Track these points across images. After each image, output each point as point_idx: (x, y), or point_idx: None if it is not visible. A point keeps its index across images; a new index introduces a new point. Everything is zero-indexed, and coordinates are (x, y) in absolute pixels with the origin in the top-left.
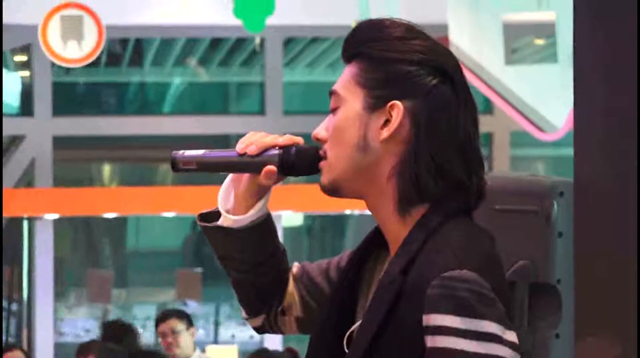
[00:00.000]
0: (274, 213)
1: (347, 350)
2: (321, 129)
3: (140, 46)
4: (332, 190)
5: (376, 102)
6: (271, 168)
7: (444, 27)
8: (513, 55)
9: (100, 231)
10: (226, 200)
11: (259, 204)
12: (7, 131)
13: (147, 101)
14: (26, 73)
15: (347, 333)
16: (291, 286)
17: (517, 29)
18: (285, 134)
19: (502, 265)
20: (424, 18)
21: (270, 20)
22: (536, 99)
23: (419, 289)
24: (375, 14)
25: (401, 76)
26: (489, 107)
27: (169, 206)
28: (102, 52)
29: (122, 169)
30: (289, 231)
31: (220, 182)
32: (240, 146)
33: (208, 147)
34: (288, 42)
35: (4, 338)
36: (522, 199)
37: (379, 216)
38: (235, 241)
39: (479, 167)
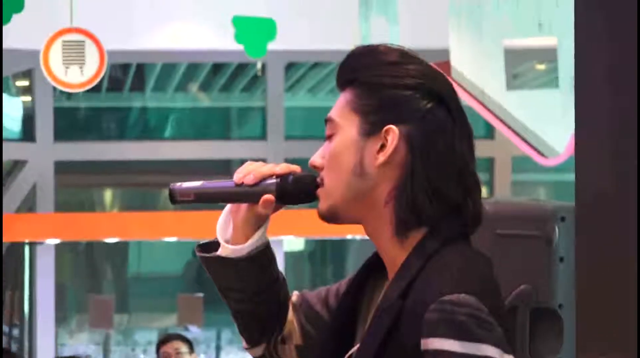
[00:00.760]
0: (275, 238)
1: None
2: (317, 157)
3: (141, 71)
4: (330, 217)
5: (371, 128)
6: (269, 197)
7: (445, 52)
8: (514, 80)
9: (101, 256)
10: (225, 230)
11: (258, 234)
12: (9, 156)
13: (149, 126)
14: (28, 98)
15: (346, 356)
16: (291, 314)
17: (519, 54)
18: (286, 159)
19: (499, 289)
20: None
21: (272, 46)
22: (537, 124)
23: (417, 313)
24: (376, 39)
25: (396, 100)
26: (490, 132)
27: (170, 231)
28: (103, 77)
29: (124, 194)
30: (290, 255)
31: (222, 207)
32: (237, 176)
33: (209, 172)
34: (289, 67)
35: None
36: (524, 224)
37: (378, 240)
38: (235, 271)
39: (476, 190)
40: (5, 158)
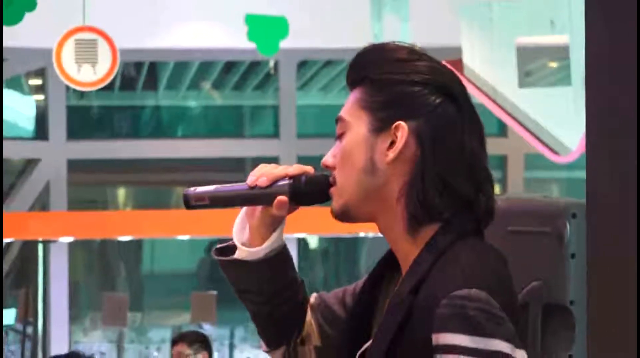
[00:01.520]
0: (289, 236)
1: None
2: (329, 157)
3: (154, 69)
4: (343, 215)
5: (381, 125)
6: (283, 198)
7: (457, 50)
8: (527, 78)
9: (115, 254)
10: (241, 233)
11: (274, 236)
12: (22, 155)
13: (162, 125)
14: (41, 97)
15: (359, 352)
16: (309, 316)
17: (531, 52)
18: (298, 156)
19: (512, 284)
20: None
21: (284, 44)
22: (550, 121)
23: (429, 308)
24: (388, 36)
25: (404, 96)
26: (502, 129)
27: (183, 229)
28: (116, 76)
29: (137, 193)
30: (303, 253)
31: None
32: (250, 179)
33: (222, 170)
34: (302, 65)
35: None
36: (536, 220)
37: (390, 237)
38: (252, 273)
39: (487, 185)
40: (18, 156)
